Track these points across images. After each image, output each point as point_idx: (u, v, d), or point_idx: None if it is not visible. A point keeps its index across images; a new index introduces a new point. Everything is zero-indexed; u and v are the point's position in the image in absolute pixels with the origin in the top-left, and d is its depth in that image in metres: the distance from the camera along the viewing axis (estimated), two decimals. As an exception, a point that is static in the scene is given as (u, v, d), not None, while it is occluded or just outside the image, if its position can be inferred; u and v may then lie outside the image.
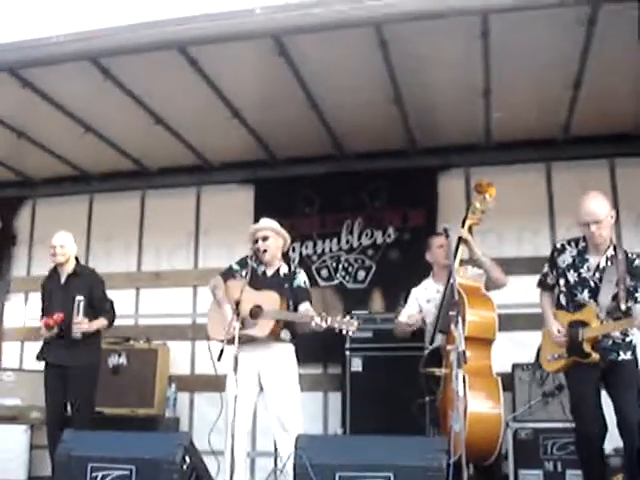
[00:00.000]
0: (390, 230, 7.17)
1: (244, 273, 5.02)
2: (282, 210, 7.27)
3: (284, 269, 5.36)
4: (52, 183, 8.16)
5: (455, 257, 4.90)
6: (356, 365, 6.38)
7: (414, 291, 5.51)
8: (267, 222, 5.42)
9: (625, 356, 4.41)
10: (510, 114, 6.26)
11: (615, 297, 4.33)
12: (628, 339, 4.45)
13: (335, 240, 7.30)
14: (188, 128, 6.79)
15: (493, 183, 5.08)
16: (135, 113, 6.29)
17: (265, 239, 5.29)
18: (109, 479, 4.16)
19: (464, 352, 4.20)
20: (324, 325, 4.79)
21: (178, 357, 7.37)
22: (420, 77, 5.74)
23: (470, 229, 5.10)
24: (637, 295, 4.35)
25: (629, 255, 4.47)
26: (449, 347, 4.54)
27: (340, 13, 4.58)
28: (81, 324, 5.66)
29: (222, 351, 5.04)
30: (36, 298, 7.89)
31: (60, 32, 4.93)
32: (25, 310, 8.11)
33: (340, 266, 7.25)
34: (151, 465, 4.13)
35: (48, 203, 8.28)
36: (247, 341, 4.98)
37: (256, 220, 7.08)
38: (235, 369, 4.62)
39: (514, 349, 6.09)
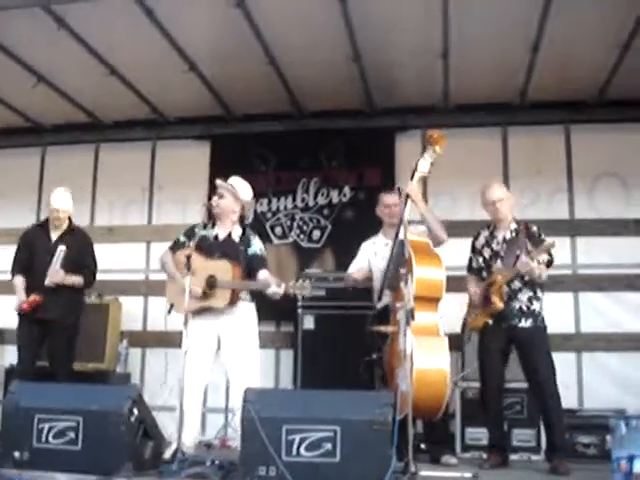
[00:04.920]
0: (346, 189, 7.19)
1: (192, 244, 5.02)
2: (237, 167, 7.13)
3: (237, 232, 5.28)
4: (3, 134, 7.95)
5: (404, 213, 4.94)
6: (308, 323, 6.41)
7: (363, 245, 5.63)
8: (232, 181, 5.31)
9: (525, 324, 5.04)
10: (468, 77, 6.28)
11: (517, 259, 4.90)
12: (532, 307, 5.07)
13: (290, 198, 7.29)
14: (143, 80, 6.67)
15: (445, 135, 5.08)
16: (89, 64, 6.15)
17: (221, 196, 5.24)
18: (55, 430, 4.16)
19: (412, 310, 4.25)
20: (281, 292, 4.85)
21: (131, 313, 7.32)
22: (379, 36, 5.72)
23: (419, 181, 5.12)
24: (535, 257, 4.88)
25: (528, 225, 5.13)
26: (398, 305, 4.59)
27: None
28: (56, 274, 5.64)
29: (172, 306, 5.07)
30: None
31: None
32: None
33: (295, 224, 7.25)
34: (98, 417, 4.15)
35: (0, 155, 8.08)
36: (208, 309, 5.03)
37: (211, 176, 7.11)
38: (185, 324, 4.63)
39: (465, 310, 6.17)
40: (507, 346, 5.13)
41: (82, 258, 5.90)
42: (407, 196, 5.00)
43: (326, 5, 5.22)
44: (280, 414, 3.94)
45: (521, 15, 5.28)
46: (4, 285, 7.33)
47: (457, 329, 5.58)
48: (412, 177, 5.06)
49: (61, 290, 5.74)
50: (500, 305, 4.97)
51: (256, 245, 5.25)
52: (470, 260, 5.38)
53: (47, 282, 5.67)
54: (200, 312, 4.98)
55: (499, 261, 5.13)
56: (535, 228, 5.14)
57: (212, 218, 5.33)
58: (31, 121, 7.64)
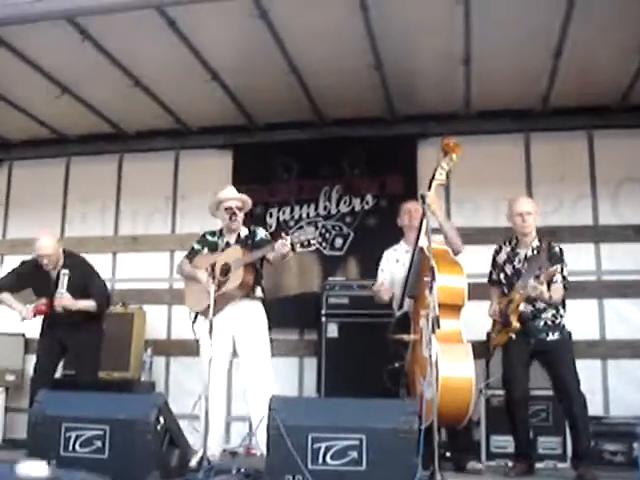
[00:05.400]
0: (368, 197, 7.18)
1: (205, 251, 5.36)
2: (260, 176, 7.32)
3: (244, 232, 5.50)
4: (29, 145, 8.04)
5: (423, 222, 4.92)
6: (332, 331, 6.41)
7: (385, 253, 5.66)
8: (235, 192, 5.58)
9: (553, 337, 5.05)
10: (490, 83, 6.27)
11: (537, 278, 4.82)
12: (557, 321, 5.08)
13: (313, 206, 7.30)
14: (167, 91, 6.72)
15: (460, 143, 5.07)
16: (113, 75, 6.20)
17: (240, 209, 5.46)
18: (83, 439, 4.18)
19: (437, 318, 4.24)
20: (286, 244, 4.93)
21: (155, 321, 7.36)
22: (401, 43, 5.73)
23: (436, 190, 5.08)
24: (555, 277, 4.92)
25: (551, 244, 5.12)
26: (422, 312, 4.57)
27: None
28: (63, 298, 5.63)
29: (197, 314, 5.13)
30: (12, 261, 7.91)
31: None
32: (0, 273, 8.05)
33: (317, 232, 7.24)
34: (125, 425, 4.16)
35: (25, 166, 8.18)
36: (222, 307, 5.11)
37: (234, 185, 7.05)
38: (210, 332, 4.66)
39: (487, 319, 6.14)
40: (531, 358, 5.14)
41: (85, 282, 5.83)
42: (427, 205, 4.94)
43: (348, 14, 5.23)
44: (306, 422, 3.94)
45: (543, 21, 5.26)
46: (29, 295, 7.43)
47: (481, 336, 5.56)
48: (429, 186, 5.04)
49: (77, 318, 5.71)
50: (517, 325, 4.94)
51: (260, 233, 5.48)
52: (490, 273, 5.37)
53: (56, 307, 5.65)
54: (221, 308, 5.05)
55: (520, 280, 5.03)
56: (557, 249, 5.13)
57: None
58: (56, 132, 7.71)
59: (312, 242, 4.99)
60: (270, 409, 3.99)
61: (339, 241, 7.20)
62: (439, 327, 4.22)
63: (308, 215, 7.30)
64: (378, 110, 6.99)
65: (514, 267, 5.17)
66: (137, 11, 5.09)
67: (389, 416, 3.92)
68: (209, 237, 5.51)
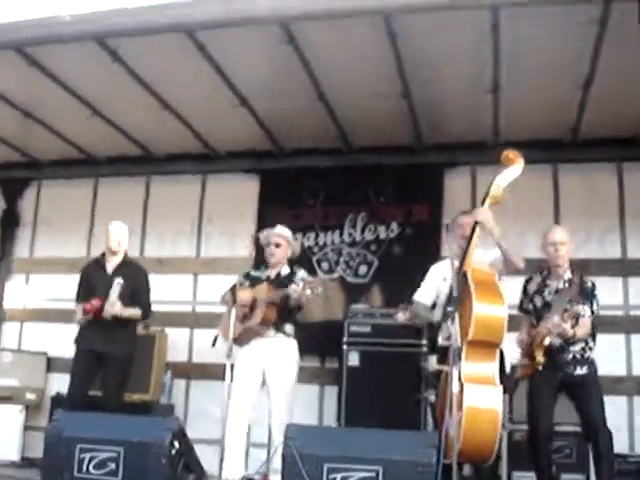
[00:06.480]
0: (393, 225, 7.13)
1: (247, 284, 5.42)
2: (286, 201, 7.32)
3: (285, 270, 5.57)
4: (58, 165, 8.14)
5: (469, 245, 4.66)
6: (353, 359, 6.34)
7: (432, 269, 5.34)
8: (283, 230, 5.65)
9: (581, 371, 4.94)
10: (519, 113, 6.22)
11: (565, 312, 4.76)
12: (586, 355, 4.97)
13: (337, 233, 7.27)
14: (195, 115, 6.77)
15: (520, 155, 4.74)
16: (143, 97, 6.25)
17: (277, 246, 5.54)
18: (97, 461, 4.17)
19: (459, 349, 4.13)
20: (298, 289, 5.06)
21: (176, 344, 7.34)
22: (429, 71, 5.70)
23: (490, 207, 4.74)
24: (582, 312, 4.85)
25: (583, 278, 5.00)
26: (444, 343, 4.48)
27: (347, 1, 4.55)
28: (113, 306, 5.67)
29: (216, 337, 5.13)
30: (37, 280, 8.04)
31: (67, 12, 4.88)
32: (26, 291, 8.12)
33: (341, 259, 7.22)
34: (139, 448, 4.14)
35: (53, 185, 8.28)
36: (248, 340, 5.30)
37: (260, 210, 7.22)
38: (228, 356, 4.73)
39: (514, 350, 6.04)
40: (558, 391, 5.02)
41: (138, 291, 5.94)
42: (475, 223, 4.70)
43: (376, 41, 5.23)
44: (322, 452, 3.89)
45: (573, 51, 5.22)
46: (53, 313, 7.51)
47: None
48: (483, 202, 4.75)
49: (119, 323, 5.76)
50: (541, 360, 4.84)
51: (299, 274, 5.48)
52: (521, 302, 5.24)
53: (105, 314, 5.68)
54: (247, 342, 5.06)
55: (548, 314, 4.92)
56: (590, 284, 5.01)
57: (261, 258, 5.68)
58: (85, 153, 7.79)
59: (316, 292, 5.07)
60: (286, 437, 3.94)
61: (363, 269, 7.16)
62: (460, 359, 4.12)
63: (333, 242, 7.28)
64: (406, 138, 6.96)
65: (544, 299, 5.05)
66: (166, 35, 5.13)
67: (407, 448, 3.85)
68: (251, 272, 5.67)
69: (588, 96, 5.82)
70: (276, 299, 5.28)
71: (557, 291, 5.00)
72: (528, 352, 4.97)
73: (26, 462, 6.67)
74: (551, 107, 6.12)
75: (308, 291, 5.02)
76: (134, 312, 5.84)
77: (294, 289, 5.08)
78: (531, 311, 5.12)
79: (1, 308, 8.12)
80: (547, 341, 4.82)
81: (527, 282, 5.23)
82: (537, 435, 4.99)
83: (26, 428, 7.04)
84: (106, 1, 4.93)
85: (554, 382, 4.94)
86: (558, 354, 4.90)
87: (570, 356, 4.94)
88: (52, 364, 7.45)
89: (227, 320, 5.23)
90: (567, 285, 4.96)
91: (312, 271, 7.07)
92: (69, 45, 5.22)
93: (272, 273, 5.56)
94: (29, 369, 7.32)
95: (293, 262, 5.67)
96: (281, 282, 5.41)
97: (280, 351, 5.33)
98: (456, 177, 7.06)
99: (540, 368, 4.88)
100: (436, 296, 5.20)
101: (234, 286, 5.45)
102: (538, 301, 5.09)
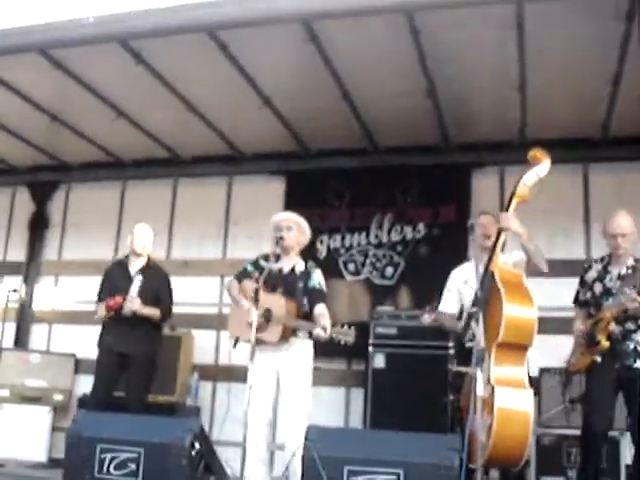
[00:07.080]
0: (420, 226, 7.06)
1: (257, 274, 5.07)
2: (312, 202, 7.27)
3: (300, 266, 5.29)
4: (86, 168, 8.21)
5: (495, 249, 4.50)
6: (379, 361, 6.28)
7: (452, 274, 5.24)
8: (294, 214, 5.41)
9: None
10: (546, 110, 6.12)
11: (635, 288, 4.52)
12: None
13: (364, 234, 7.21)
14: (220, 117, 6.77)
15: (546, 154, 4.59)
16: (167, 99, 6.26)
17: (289, 229, 5.27)
18: (117, 461, 4.16)
19: (483, 351, 4.04)
20: (324, 336, 4.76)
21: (203, 346, 7.35)
22: (453, 66, 5.61)
23: (515, 209, 4.57)
24: None
25: None
26: (468, 344, 4.39)
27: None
28: (132, 302, 5.69)
29: (237, 340, 5.07)
30: (66, 282, 8.09)
31: (90, 14, 4.90)
32: (55, 293, 8.19)
33: (368, 261, 7.16)
34: (160, 449, 4.13)
35: (81, 188, 8.37)
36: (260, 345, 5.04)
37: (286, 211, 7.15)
38: (251, 359, 4.63)
39: (542, 353, 5.91)
40: (618, 387, 4.71)
41: (159, 292, 5.96)
42: (499, 230, 4.54)
43: (399, 39, 5.17)
44: (342, 454, 3.84)
45: (599, 47, 5.11)
46: (81, 315, 7.54)
47: (534, 372, 5.36)
48: (509, 203, 4.55)
49: (140, 323, 5.78)
50: (606, 344, 4.58)
51: (316, 278, 5.22)
52: (577, 292, 5.02)
53: (125, 310, 5.71)
54: (259, 344, 4.93)
55: (610, 299, 4.71)
56: None
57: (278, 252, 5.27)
58: (112, 155, 7.85)
59: (347, 343, 4.80)
60: (306, 439, 3.90)
61: (390, 270, 7.09)
62: (483, 361, 4.02)
63: (359, 243, 7.22)
64: (431, 138, 6.89)
65: (604, 286, 4.81)
66: (188, 35, 5.13)
67: (430, 450, 3.78)
68: (262, 262, 5.25)
69: (618, 92, 5.68)
70: (293, 326, 5.04)
71: (619, 277, 4.77)
72: (588, 339, 4.72)
73: (53, 463, 6.69)
74: (579, 104, 6.00)
75: (334, 335, 4.76)
76: (153, 312, 5.84)
77: (319, 335, 4.78)
78: (589, 300, 4.89)
79: (30, 310, 8.19)
80: (612, 326, 4.60)
81: (585, 271, 5.00)
82: (591, 432, 4.71)
83: (54, 429, 7.08)
84: (128, 3, 4.96)
85: (613, 374, 4.67)
86: (618, 343, 4.65)
87: (632, 346, 4.67)
88: (80, 365, 7.49)
89: (237, 316, 5.09)
90: (630, 271, 4.74)
91: (338, 273, 7.06)
92: (93, 47, 5.25)
93: (285, 266, 5.25)
94: (57, 370, 7.37)
95: (306, 258, 5.41)
96: (294, 281, 5.18)
97: (294, 354, 5.11)
98: (484, 178, 6.96)
99: (598, 359, 4.66)
100: (460, 302, 5.11)
101: (242, 274, 5.30)
102: (597, 288, 4.85)
